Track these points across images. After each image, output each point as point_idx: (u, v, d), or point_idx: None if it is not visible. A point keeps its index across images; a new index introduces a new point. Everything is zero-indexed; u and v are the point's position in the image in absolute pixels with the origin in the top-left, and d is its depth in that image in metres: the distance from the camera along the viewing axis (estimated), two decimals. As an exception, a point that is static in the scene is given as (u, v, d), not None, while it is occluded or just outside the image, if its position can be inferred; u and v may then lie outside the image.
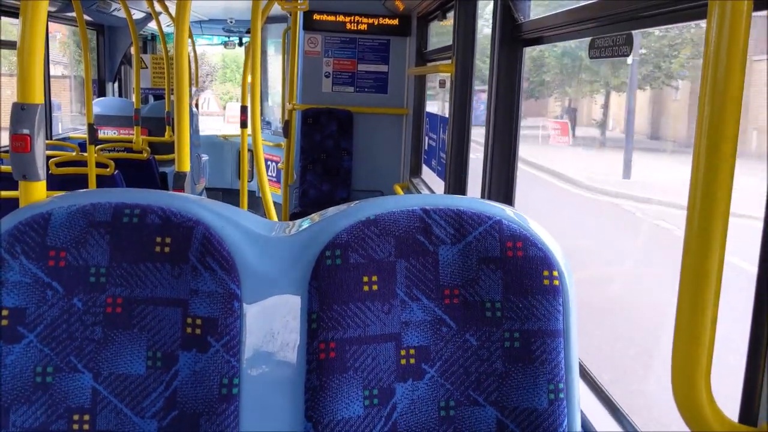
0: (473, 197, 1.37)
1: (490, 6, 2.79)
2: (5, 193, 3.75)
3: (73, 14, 4.77)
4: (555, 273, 1.23)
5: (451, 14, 4.07)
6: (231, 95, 29.36)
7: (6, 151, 5.15)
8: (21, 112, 1.37)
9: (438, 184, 4.54)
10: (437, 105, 5.23)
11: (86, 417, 1.18)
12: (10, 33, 5.49)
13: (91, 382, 1.19)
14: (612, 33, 1.84)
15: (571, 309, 1.24)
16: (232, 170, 8.89)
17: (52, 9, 5.60)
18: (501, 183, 2.73)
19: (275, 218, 3.55)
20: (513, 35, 2.64)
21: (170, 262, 1.21)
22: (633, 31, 1.75)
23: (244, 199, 4.21)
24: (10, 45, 5.50)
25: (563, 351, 1.22)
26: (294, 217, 5.41)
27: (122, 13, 6.02)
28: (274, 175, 7.16)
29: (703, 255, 0.95)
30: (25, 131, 1.38)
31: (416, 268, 1.23)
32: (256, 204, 6.51)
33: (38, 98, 1.39)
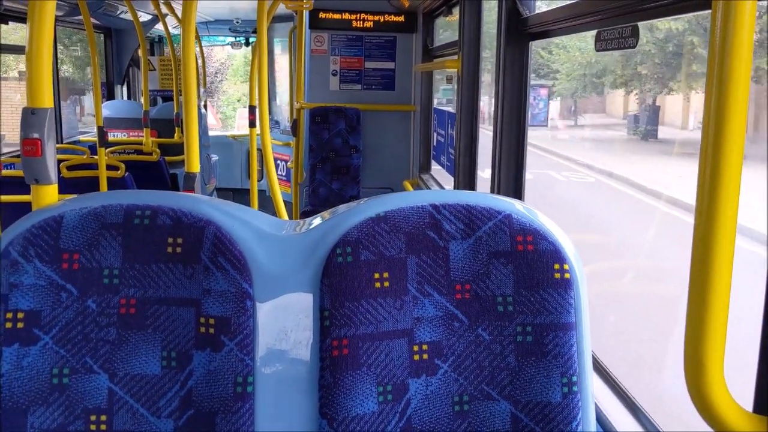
0: (483, 192, 1.38)
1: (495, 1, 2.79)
2: (17, 197, 3.78)
3: (80, 18, 4.79)
4: (566, 266, 1.23)
5: (456, 10, 4.07)
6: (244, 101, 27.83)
7: (15, 156, 5.19)
8: (31, 116, 1.39)
9: (447, 180, 4.54)
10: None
11: (103, 417, 1.19)
12: (7, 38, 5.52)
13: (107, 383, 1.20)
14: (617, 25, 1.84)
15: (582, 302, 1.24)
16: (242, 170, 8.91)
17: (59, 13, 5.62)
18: (510, 178, 2.72)
19: (286, 217, 3.56)
20: (519, 29, 2.64)
21: (182, 263, 1.22)
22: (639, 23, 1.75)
23: (255, 199, 4.22)
24: (9, 49, 5.53)
25: (576, 344, 1.23)
26: (304, 215, 5.42)
27: (129, 16, 6.05)
28: (283, 174, 7.18)
29: (713, 246, 0.95)
30: (36, 135, 1.39)
31: (427, 264, 1.24)
32: (267, 203, 6.53)
33: (48, 102, 1.40)
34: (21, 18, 5.07)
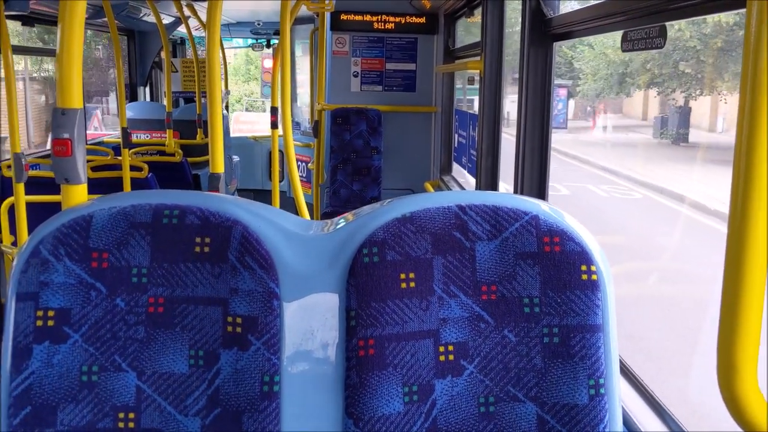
0: (508, 193, 1.37)
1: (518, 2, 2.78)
2: (44, 197, 3.82)
3: (105, 20, 4.84)
4: (593, 268, 1.22)
5: (478, 11, 4.06)
6: (244, 101, 26.02)
7: (43, 156, 5.25)
8: (61, 116, 1.40)
9: (469, 182, 4.53)
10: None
11: (131, 415, 1.20)
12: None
13: (135, 381, 1.21)
14: (644, 26, 1.82)
15: (609, 304, 1.23)
16: (262, 171, 8.94)
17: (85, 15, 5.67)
18: (534, 179, 2.71)
19: (308, 218, 3.57)
20: (542, 30, 2.63)
21: (210, 262, 1.22)
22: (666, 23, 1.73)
23: (276, 200, 4.23)
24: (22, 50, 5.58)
25: (603, 346, 1.22)
26: (325, 216, 5.43)
27: (152, 18, 6.10)
28: (304, 175, 7.20)
29: (746, 248, 0.94)
30: (66, 135, 1.41)
31: (453, 265, 1.24)
32: (288, 204, 6.55)
33: (77, 103, 1.42)
34: (47, 20, 5.13)
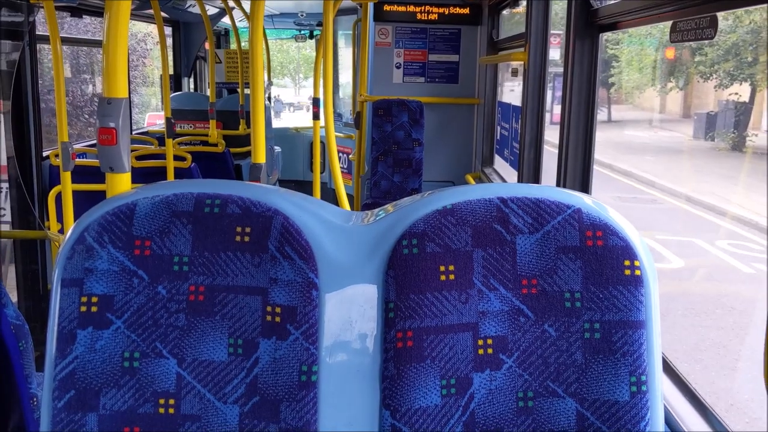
0: (551, 186, 1.35)
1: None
2: (90, 186, 3.89)
3: (151, 11, 4.91)
4: (636, 263, 1.20)
5: (523, 1, 4.01)
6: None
7: (90, 145, 5.35)
8: (107, 106, 1.42)
9: (510, 174, 4.49)
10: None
11: (171, 401, 1.22)
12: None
13: (175, 368, 1.22)
14: (694, 16, 1.78)
15: (653, 300, 1.21)
16: (303, 162, 8.99)
17: (131, 7, 5.75)
18: (577, 172, 2.67)
19: (348, 209, 3.58)
20: (588, 21, 2.59)
21: (250, 251, 1.23)
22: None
23: (317, 191, 4.25)
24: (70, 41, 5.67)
25: (645, 343, 1.20)
26: (366, 207, 5.44)
27: (197, 9, 6.16)
28: (345, 166, 7.22)
29: None
30: (112, 125, 1.43)
31: (493, 258, 1.22)
32: (329, 195, 6.58)
33: (123, 92, 1.43)
34: (95, 12, 5.22)
